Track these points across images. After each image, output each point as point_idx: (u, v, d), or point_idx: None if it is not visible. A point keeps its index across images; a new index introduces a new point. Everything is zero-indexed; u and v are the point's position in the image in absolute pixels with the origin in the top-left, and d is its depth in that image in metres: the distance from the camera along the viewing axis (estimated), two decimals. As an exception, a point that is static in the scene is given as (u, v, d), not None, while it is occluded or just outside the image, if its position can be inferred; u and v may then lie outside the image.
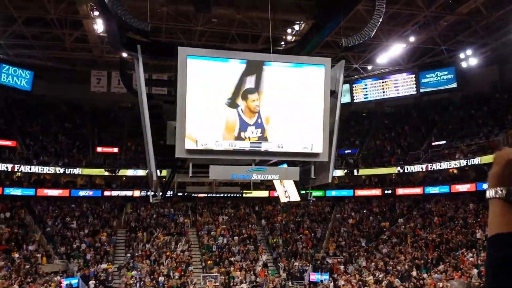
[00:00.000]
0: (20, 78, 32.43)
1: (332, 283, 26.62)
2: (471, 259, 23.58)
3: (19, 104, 35.41)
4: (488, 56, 30.31)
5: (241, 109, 10.63)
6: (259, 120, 10.71)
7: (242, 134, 10.63)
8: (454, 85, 33.61)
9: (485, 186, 28.74)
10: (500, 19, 25.88)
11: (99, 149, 36.15)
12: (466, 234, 26.84)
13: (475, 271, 21.92)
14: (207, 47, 10.84)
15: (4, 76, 31.70)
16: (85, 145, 36.78)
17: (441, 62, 32.88)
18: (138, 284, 27.00)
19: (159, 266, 28.76)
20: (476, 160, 28.79)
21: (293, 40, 25.20)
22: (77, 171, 33.57)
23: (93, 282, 26.79)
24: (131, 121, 34.40)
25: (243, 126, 10.67)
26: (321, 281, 27.94)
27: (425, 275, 24.09)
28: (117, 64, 25.13)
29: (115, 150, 36.57)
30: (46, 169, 32.56)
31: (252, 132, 10.71)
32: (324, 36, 11.53)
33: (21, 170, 31.41)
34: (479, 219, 27.94)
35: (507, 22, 25.96)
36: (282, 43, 25.61)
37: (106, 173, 34.01)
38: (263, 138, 10.72)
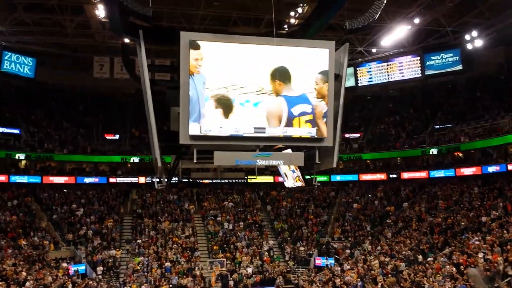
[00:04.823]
0: (23, 65, 32.34)
1: (339, 268, 26.70)
2: (476, 242, 23.54)
3: (22, 92, 35.39)
4: (494, 37, 29.86)
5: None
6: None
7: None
8: (460, 67, 33.21)
9: (490, 169, 28.75)
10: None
11: (107, 137, 36.48)
12: (471, 218, 26.77)
13: (480, 254, 21.89)
14: (209, 31, 10.65)
15: (7, 63, 31.60)
16: (89, 131, 36.81)
17: (446, 44, 32.47)
18: (145, 270, 27.22)
19: (165, 252, 28.93)
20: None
21: (296, 23, 24.92)
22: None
23: (101, 268, 27.02)
24: (135, 107, 34.37)
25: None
26: (327, 265, 28.06)
27: (430, 259, 24.10)
28: (120, 50, 24.95)
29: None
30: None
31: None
32: (328, 18, 11.32)
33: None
34: (484, 203, 27.86)
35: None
36: (286, 26, 25.32)
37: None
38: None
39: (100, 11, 24.81)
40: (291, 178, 16.94)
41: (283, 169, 17.52)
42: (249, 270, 27.68)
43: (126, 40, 15.11)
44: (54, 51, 32.50)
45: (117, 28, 10.90)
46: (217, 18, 27.60)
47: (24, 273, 23.39)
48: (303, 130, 10.84)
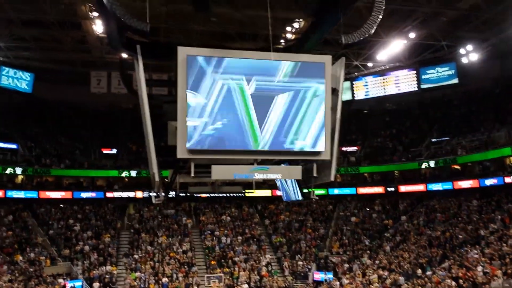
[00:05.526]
0: (20, 81, 32.41)
1: (338, 282, 26.49)
2: (475, 255, 23.45)
3: (20, 107, 35.39)
4: (489, 51, 30.11)
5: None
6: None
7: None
8: (455, 80, 33.43)
9: (487, 182, 28.75)
10: (501, 14, 25.75)
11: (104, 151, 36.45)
12: (470, 231, 26.70)
13: (479, 267, 21.80)
14: (207, 46, 10.72)
15: (5, 78, 31.68)
16: (86, 146, 36.77)
17: (442, 58, 32.72)
18: (141, 286, 26.96)
19: (162, 268, 28.69)
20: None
21: (293, 38, 25.11)
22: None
23: (97, 284, 26.75)
24: (132, 122, 34.38)
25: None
26: (325, 280, 27.84)
27: (429, 273, 23.97)
28: (117, 64, 25.07)
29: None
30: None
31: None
32: (324, 33, 11.45)
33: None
34: (483, 216, 27.82)
35: (507, 17, 25.81)
36: (282, 41, 25.51)
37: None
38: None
39: (98, 27, 24.97)
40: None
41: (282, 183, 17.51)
42: (245, 286, 27.39)
43: (124, 55, 15.20)
44: (51, 66, 32.60)
45: (115, 43, 10.98)
46: (214, 34, 27.80)
47: (20, 289, 23.20)
48: (301, 143, 10.88)
